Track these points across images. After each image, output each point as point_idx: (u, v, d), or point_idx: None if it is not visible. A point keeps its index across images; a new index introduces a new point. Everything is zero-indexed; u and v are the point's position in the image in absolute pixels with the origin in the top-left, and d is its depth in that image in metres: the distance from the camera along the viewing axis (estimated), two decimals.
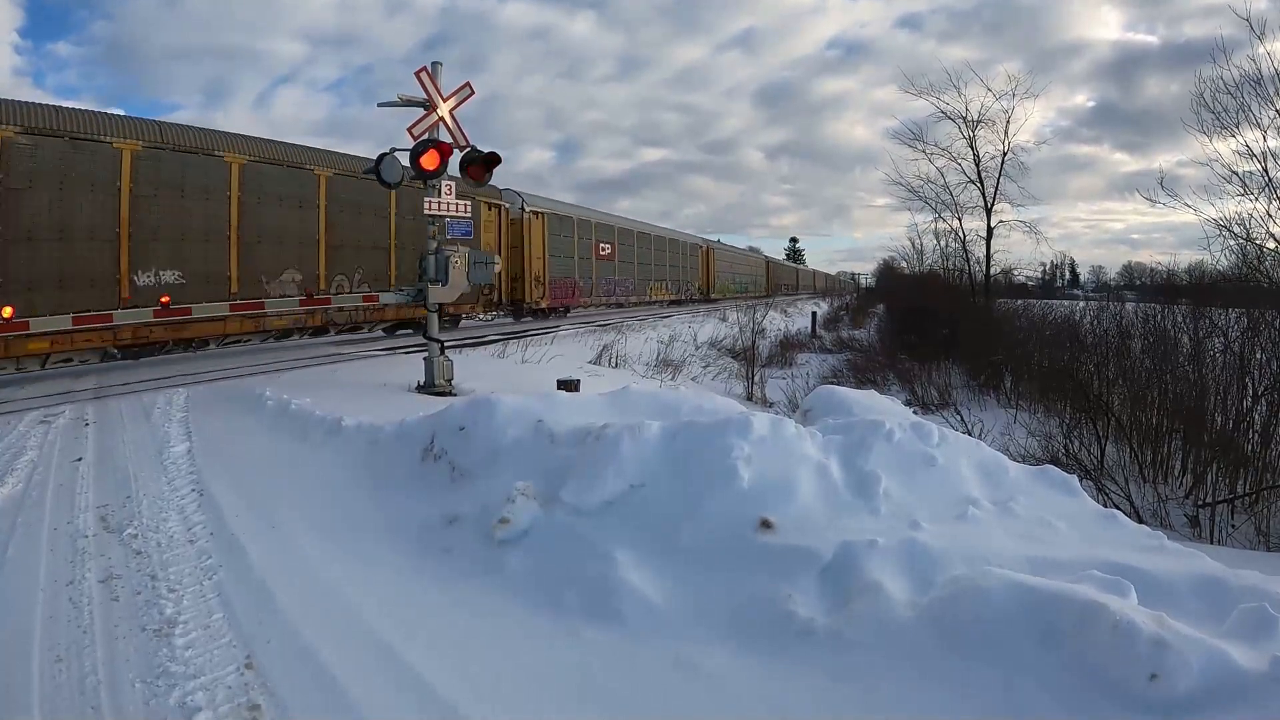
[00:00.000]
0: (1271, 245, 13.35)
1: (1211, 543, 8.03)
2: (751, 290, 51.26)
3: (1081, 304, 24.09)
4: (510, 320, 21.24)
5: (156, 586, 3.51)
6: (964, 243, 27.17)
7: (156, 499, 4.77)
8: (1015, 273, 30.11)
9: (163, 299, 10.48)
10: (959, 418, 12.98)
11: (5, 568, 3.71)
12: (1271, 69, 13.36)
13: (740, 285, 49.52)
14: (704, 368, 18.18)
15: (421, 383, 8.84)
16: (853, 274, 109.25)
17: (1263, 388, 10.53)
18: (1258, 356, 11.01)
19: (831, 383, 13.50)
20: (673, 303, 35.47)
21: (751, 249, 62.33)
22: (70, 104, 10.30)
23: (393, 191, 11.87)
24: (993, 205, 25.99)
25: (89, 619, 3.20)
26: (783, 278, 67.56)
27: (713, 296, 41.04)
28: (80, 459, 5.63)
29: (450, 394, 8.45)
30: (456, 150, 8.66)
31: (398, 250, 15.09)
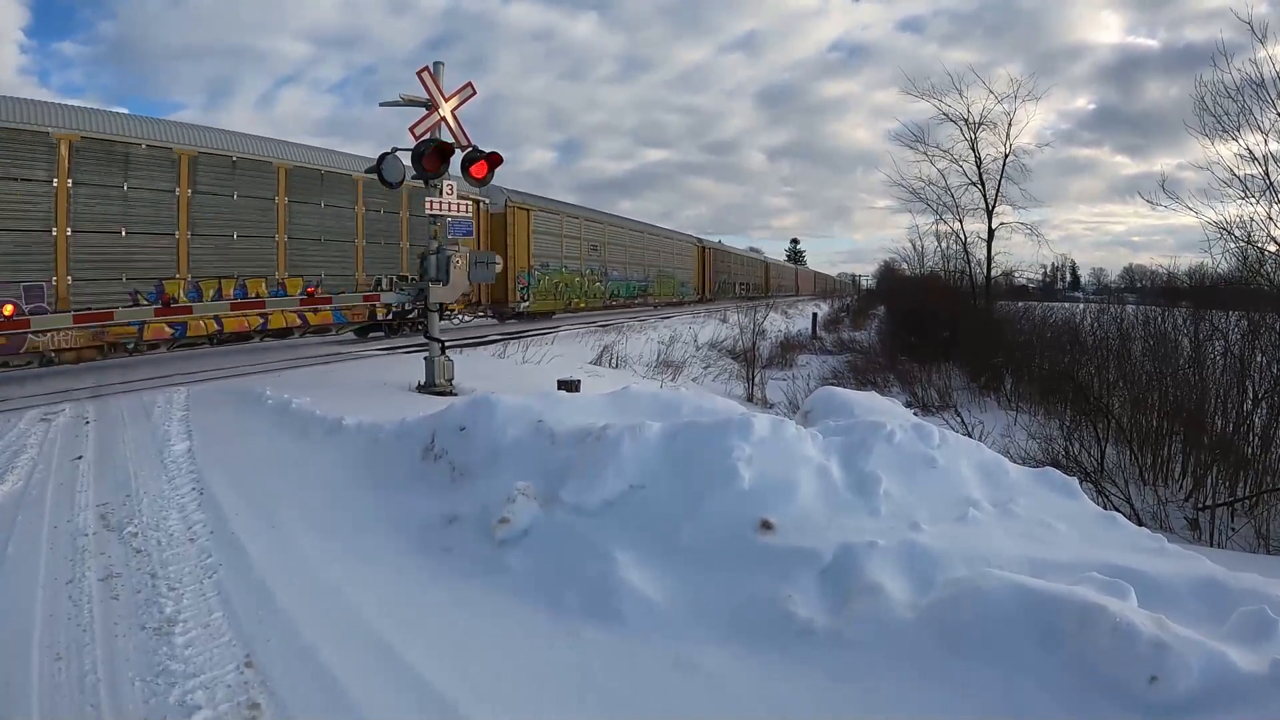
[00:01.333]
0: (1272, 248, 13.34)
1: (1211, 545, 8.04)
2: (660, 293, 32.65)
3: (1082, 306, 24.09)
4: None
5: (156, 585, 3.51)
6: (965, 245, 27.17)
7: (157, 497, 4.77)
8: (1016, 275, 30.14)
9: None
10: (959, 419, 12.99)
11: (5, 566, 3.71)
12: (1273, 72, 13.33)
13: (625, 285, 28.35)
14: (704, 369, 18.18)
15: (422, 382, 8.85)
16: (854, 275, 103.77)
17: (1263, 391, 10.55)
18: (1258, 360, 11.04)
19: (832, 384, 13.49)
20: (372, 331, 14.71)
21: (701, 236, 41.28)
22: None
23: None
24: (994, 207, 26.00)
25: (89, 617, 3.20)
26: (736, 274, 48.58)
27: (525, 309, 21.02)
28: (80, 457, 5.63)
29: (451, 394, 8.45)
30: (458, 150, 8.67)
31: None
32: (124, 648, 2.96)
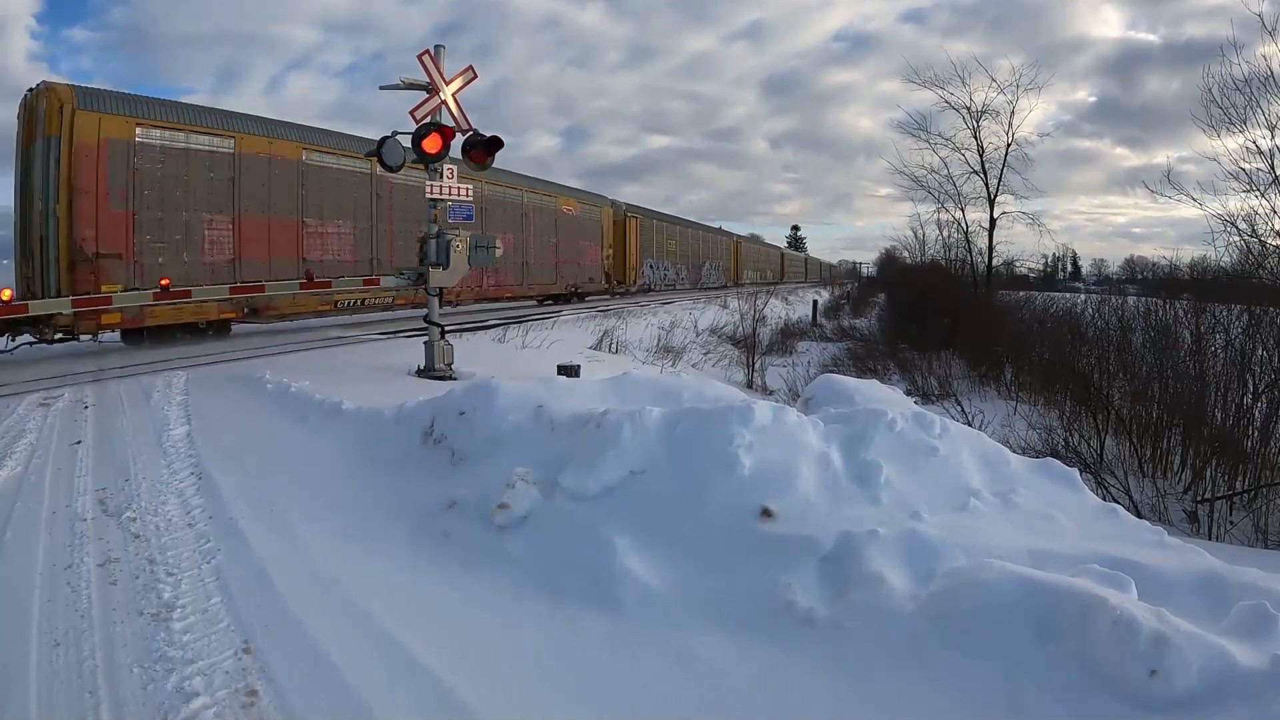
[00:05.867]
0: (1276, 242, 13.32)
1: (1210, 539, 8.04)
2: (525, 284, 20.95)
3: (1083, 297, 24.06)
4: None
5: (155, 570, 3.50)
6: (966, 233, 27.16)
7: (155, 482, 4.76)
8: (1017, 264, 30.13)
9: None
10: (959, 408, 12.98)
11: (3, 551, 3.70)
12: None
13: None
14: (704, 354, 18.16)
15: (421, 367, 8.83)
16: (855, 263, 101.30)
17: (1263, 385, 10.52)
18: (1259, 353, 10.99)
19: (832, 371, 13.48)
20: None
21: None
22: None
23: None
24: (996, 196, 25.98)
25: (87, 603, 3.19)
26: (684, 255, 35.89)
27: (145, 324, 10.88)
28: (79, 442, 5.62)
29: (450, 378, 8.44)
30: (459, 134, 8.61)
31: None
32: (122, 633, 2.95)
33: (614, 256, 27.69)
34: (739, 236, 50.19)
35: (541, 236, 22.00)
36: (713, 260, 41.92)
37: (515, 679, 2.74)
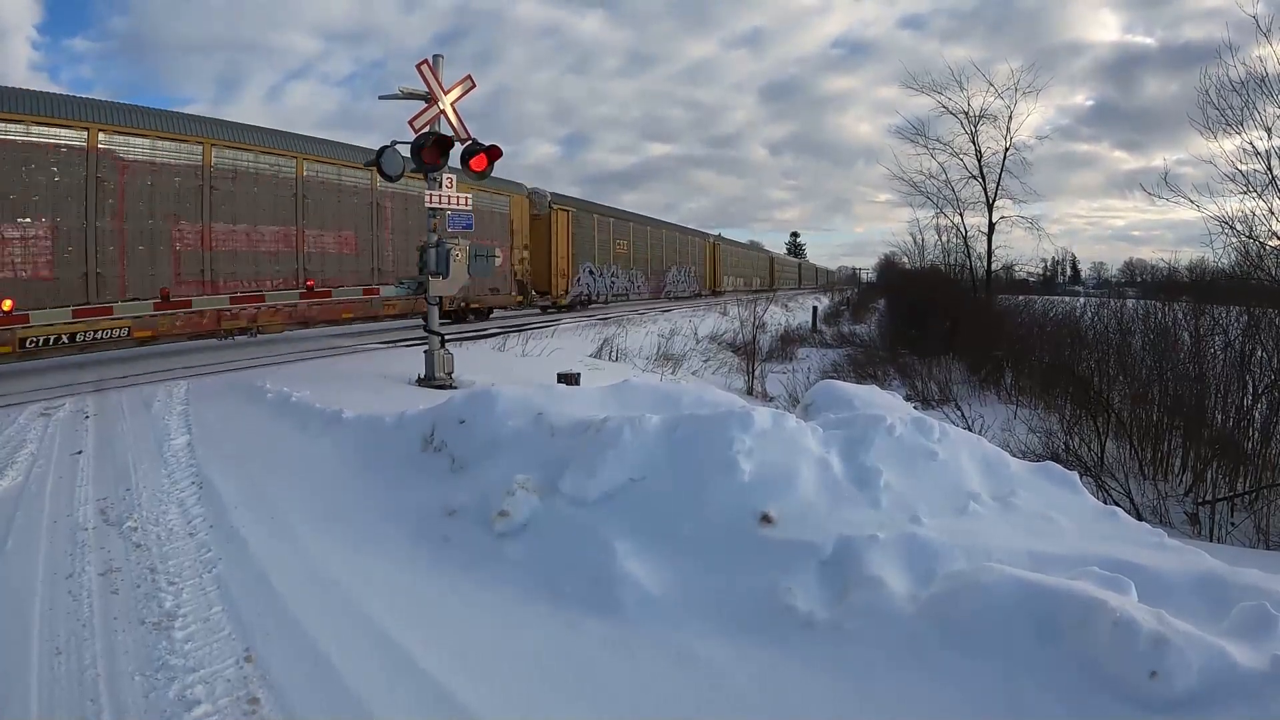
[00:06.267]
0: (1274, 243, 13.37)
1: (1211, 540, 8.04)
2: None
3: (1082, 300, 24.08)
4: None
5: (156, 579, 3.51)
6: (965, 238, 27.13)
7: (156, 491, 4.76)
8: (1016, 269, 30.09)
9: None
10: (959, 413, 12.97)
11: (5, 560, 3.70)
12: (1277, 68, 13.36)
13: None
14: (704, 362, 18.16)
15: (422, 375, 8.85)
16: (854, 268, 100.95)
17: (1263, 386, 10.53)
18: (1258, 354, 11.00)
19: (832, 377, 13.50)
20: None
21: None
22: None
23: None
24: (994, 201, 25.98)
25: (88, 612, 3.19)
26: (636, 255, 30.10)
27: None
28: (80, 451, 5.62)
29: (450, 386, 8.45)
30: (458, 143, 8.66)
31: None
32: (123, 642, 2.96)
33: (532, 260, 21.10)
34: (716, 237, 44.14)
35: (407, 235, 14.80)
36: (681, 265, 36.04)
37: (516, 681, 2.74)
